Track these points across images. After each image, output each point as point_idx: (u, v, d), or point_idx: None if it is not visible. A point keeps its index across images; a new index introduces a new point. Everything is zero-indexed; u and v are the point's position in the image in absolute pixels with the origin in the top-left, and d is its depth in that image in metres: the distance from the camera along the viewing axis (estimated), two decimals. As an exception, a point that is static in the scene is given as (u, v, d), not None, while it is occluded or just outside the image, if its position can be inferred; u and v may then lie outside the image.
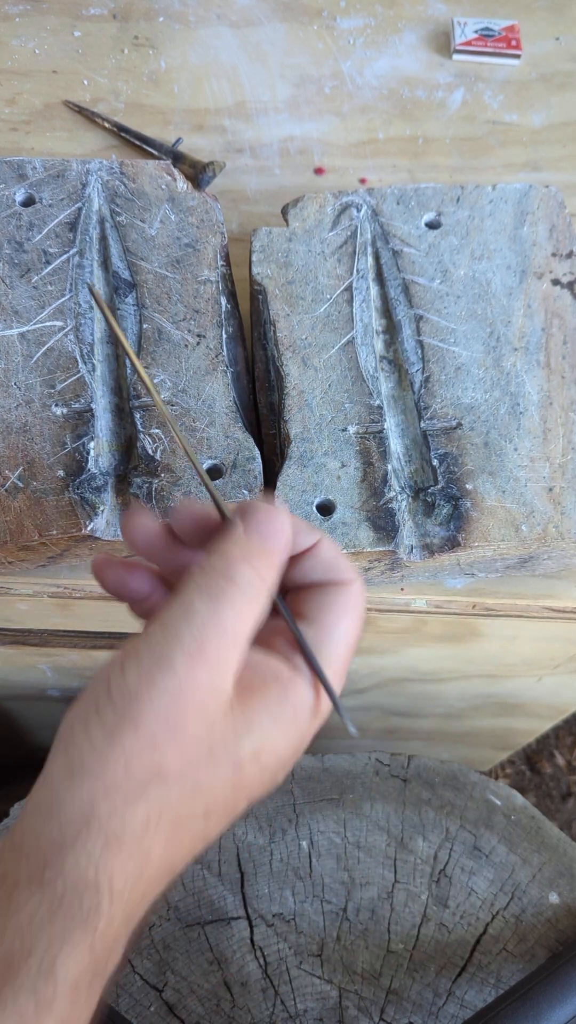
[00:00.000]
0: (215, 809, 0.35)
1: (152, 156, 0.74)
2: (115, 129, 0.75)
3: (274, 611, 0.40)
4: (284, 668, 0.37)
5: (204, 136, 0.76)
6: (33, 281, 0.59)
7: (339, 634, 0.39)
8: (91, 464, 0.56)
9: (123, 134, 0.75)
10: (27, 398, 0.56)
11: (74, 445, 0.56)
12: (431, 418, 0.59)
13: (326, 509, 0.56)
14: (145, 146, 0.75)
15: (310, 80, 0.80)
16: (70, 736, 0.34)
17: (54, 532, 0.54)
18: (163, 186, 0.64)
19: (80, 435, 0.56)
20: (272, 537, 0.38)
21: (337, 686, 0.38)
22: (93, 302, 0.60)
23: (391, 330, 0.61)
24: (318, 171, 0.76)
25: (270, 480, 0.58)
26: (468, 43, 0.81)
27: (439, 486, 0.57)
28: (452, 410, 0.59)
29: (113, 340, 0.60)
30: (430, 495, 0.57)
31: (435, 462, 0.57)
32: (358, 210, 0.64)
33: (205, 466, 0.56)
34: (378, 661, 0.79)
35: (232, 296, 0.63)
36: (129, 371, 0.58)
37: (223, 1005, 0.61)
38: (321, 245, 0.63)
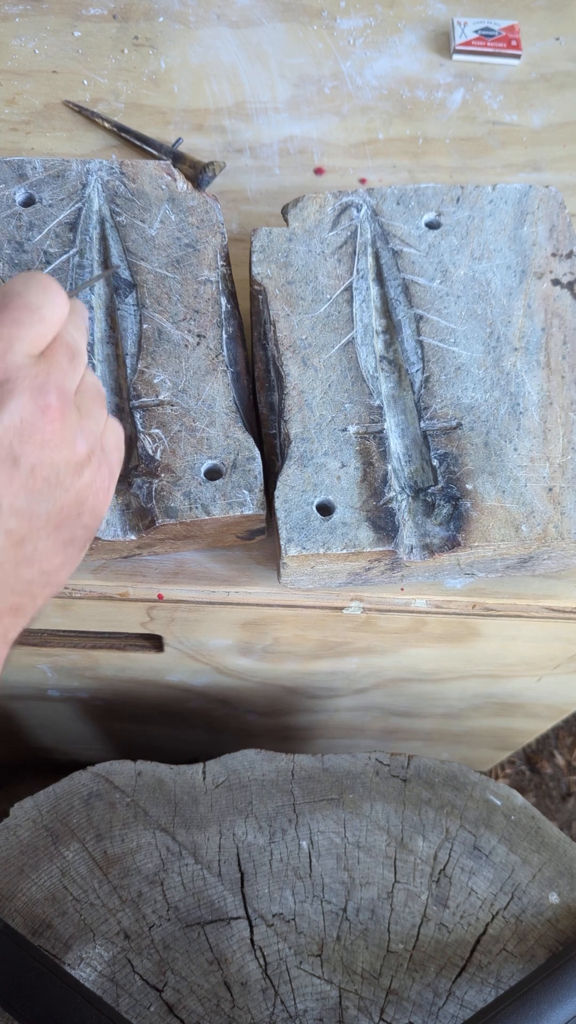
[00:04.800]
0: None
1: (152, 156, 0.74)
2: (115, 129, 0.75)
3: None
4: None
5: (204, 136, 0.76)
6: (33, 281, 0.59)
7: None
8: (91, 464, 0.55)
9: (123, 134, 0.75)
10: (27, 398, 0.56)
11: (74, 445, 0.56)
12: (431, 418, 0.59)
13: (326, 509, 0.56)
14: (145, 146, 0.75)
15: (310, 80, 0.80)
16: None
17: (54, 532, 0.54)
18: (163, 186, 0.64)
19: (80, 435, 0.56)
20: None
21: None
22: (93, 302, 0.60)
23: (391, 330, 0.61)
24: (318, 171, 0.76)
25: (270, 480, 0.58)
26: (468, 43, 0.81)
27: (439, 486, 0.57)
28: (452, 410, 0.59)
29: (113, 340, 0.60)
30: (430, 495, 0.57)
31: (435, 462, 0.57)
32: (358, 210, 0.64)
33: (205, 466, 0.56)
34: (378, 661, 0.79)
35: (232, 296, 0.63)
36: (129, 371, 0.58)
37: (223, 1005, 0.61)
38: (321, 245, 0.63)
